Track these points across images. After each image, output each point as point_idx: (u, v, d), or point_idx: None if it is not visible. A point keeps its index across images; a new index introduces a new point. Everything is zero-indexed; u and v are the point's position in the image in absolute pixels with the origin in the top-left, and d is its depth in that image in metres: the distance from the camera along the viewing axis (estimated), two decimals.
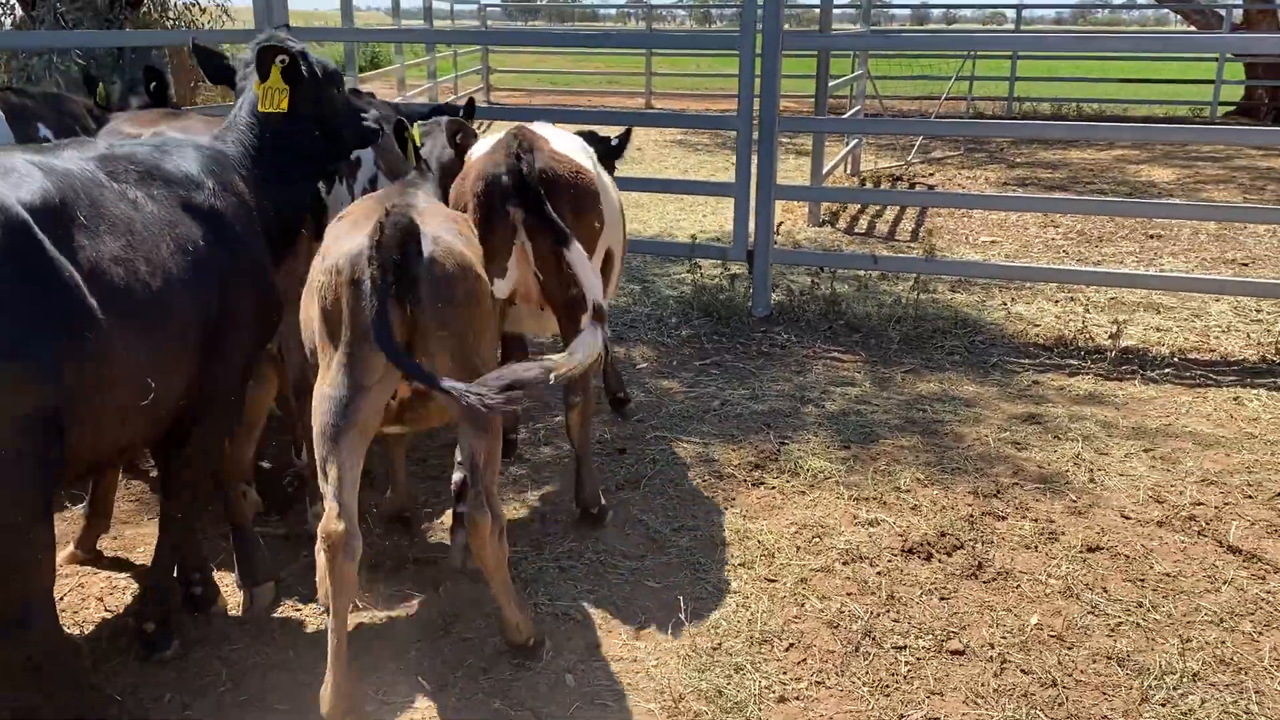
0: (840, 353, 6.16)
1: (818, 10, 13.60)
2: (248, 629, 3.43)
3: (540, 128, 4.04)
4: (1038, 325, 6.59)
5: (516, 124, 3.97)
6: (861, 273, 7.48)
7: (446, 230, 3.03)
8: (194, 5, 11.78)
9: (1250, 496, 4.42)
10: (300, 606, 3.58)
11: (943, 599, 3.64)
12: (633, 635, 3.41)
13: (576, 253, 3.56)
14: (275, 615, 3.52)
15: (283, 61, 3.40)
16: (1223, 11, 19.35)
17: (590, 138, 4.53)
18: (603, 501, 4.17)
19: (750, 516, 4.20)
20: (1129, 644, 3.38)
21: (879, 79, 14.44)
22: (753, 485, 4.49)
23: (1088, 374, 5.81)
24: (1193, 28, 20.31)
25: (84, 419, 2.54)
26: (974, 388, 5.62)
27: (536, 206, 3.57)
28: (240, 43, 5.74)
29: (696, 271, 7.09)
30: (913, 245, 8.96)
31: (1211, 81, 19.22)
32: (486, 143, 3.92)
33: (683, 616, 3.50)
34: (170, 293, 2.77)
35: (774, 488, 4.46)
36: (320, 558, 2.86)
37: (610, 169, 4.59)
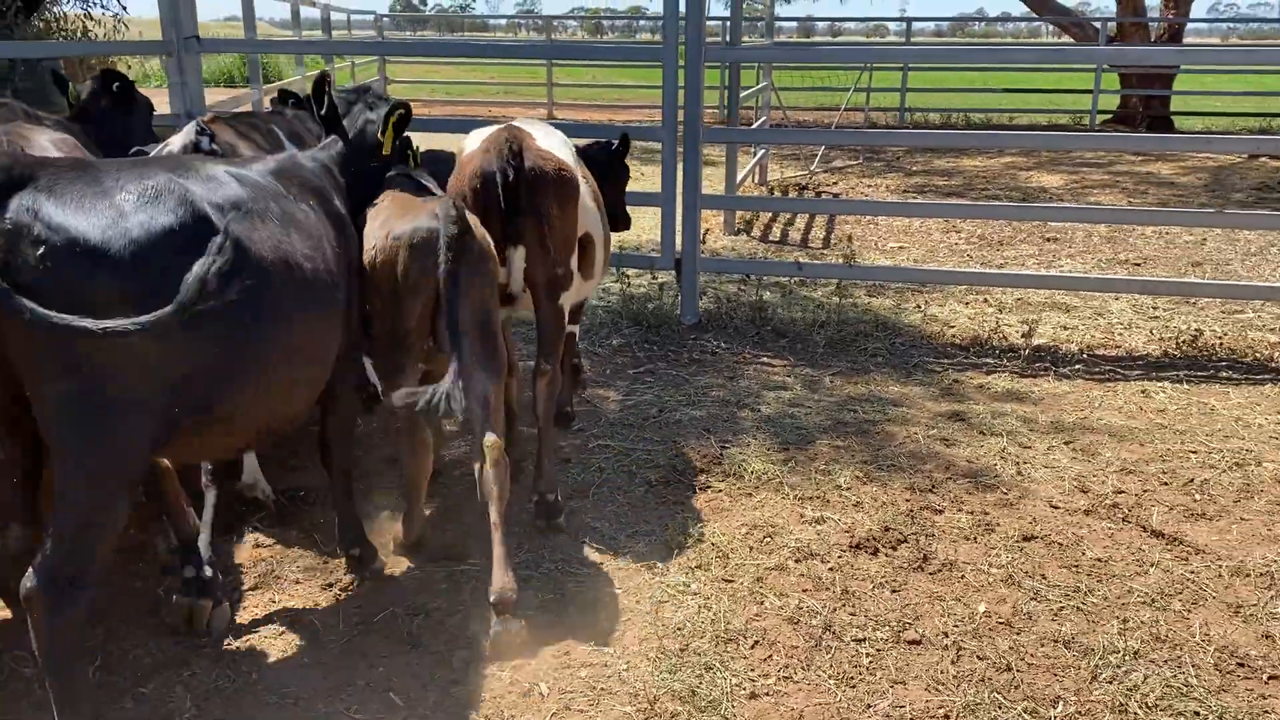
0: (769, 357, 6.30)
1: (719, 24, 13.95)
2: (208, 653, 3.35)
3: (525, 124, 4.45)
4: (953, 327, 6.84)
5: (508, 123, 4.42)
6: (783, 279, 7.65)
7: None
8: (87, 15, 11.38)
9: (1166, 484, 4.67)
10: (260, 629, 3.51)
11: (894, 591, 3.77)
12: (600, 641, 3.44)
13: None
14: (236, 639, 3.45)
15: (400, 115, 3.97)
16: (1098, 24, 20.33)
17: (599, 146, 5.24)
18: (558, 496, 4.25)
19: (701, 520, 4.27)
20: (1072, 627, 3.55)
21: (781, 90, 14.75)
22: (699, 489, 4.56)
23: (1004, 372, 6.06)
24: (1070, 40, 21.28)
25: (252, 386, 2.93)
26: (899, 388, 5.80)
27: (528, 204, 4.05)
28: (152, 54, 5.60)
29: (624, 281, 7.16)
30: (826, 252, 9.20)
31: (1090, 91, 20.15)
32: (477, 137, 4.34)
33: (647, 620, 3.55)
34: (334, 282, 3.26)
35: (720, 491, 4.54)
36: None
37: (625, 171, 5.27)
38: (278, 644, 3.41)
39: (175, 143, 4.07)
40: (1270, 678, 3.29)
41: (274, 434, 3.34)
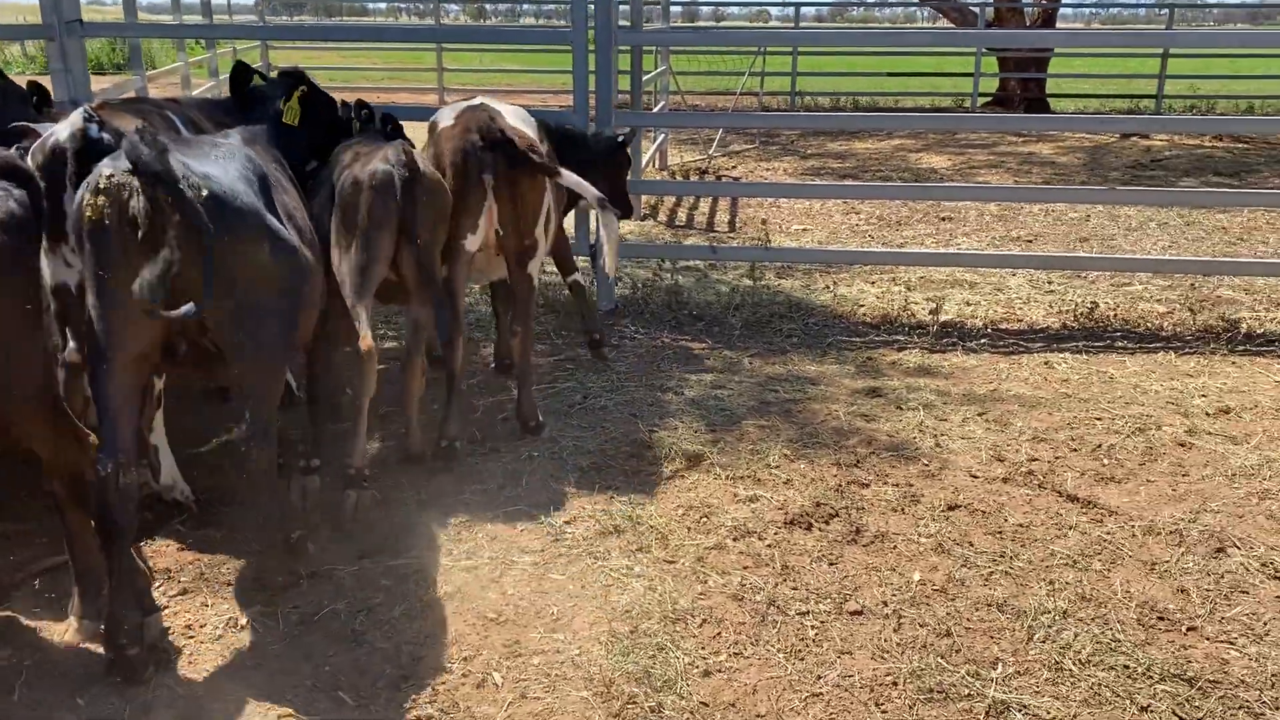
0: (688, 341, 6.34)
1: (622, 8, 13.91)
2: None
3: (491, 103, 4.90)
4: (862, 305, 7.00)
5: (477, 100, 4.91)
6: (693, 263, 7.71)
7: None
8: None
9: (1075, 450, 4.88)
10: (196, 635, 3.40)
11: (831, 564, 3.85)
12: (549, 628, 3.43)
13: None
14: (174, 644, 3.33)
15: (303, 91, 4.74)
16: (976, 9, 20.95)
17: (606, 136, 5.76)
18: (540, 418, 4.97)
19: (637, 503, 4.28)
20: (1003, 591, 3.69)
21: (677, 74, 14.82)
22: (632, 473, 4.57)
23: (914, 348, 6.23)
24: (950, 24, 21.89)
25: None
26: (816, 367, 5.92)
27: (504, 179, 4.56)
28: (33, 39, 5.30)
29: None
30: (733, 236, 9.30)
31: (970, 74, 20.77)
32: (448, 114, 4.86)
33: (595, 604, 3.55)
34: (314, 228, 3.88)
35: (653, 474, 4.56)
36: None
37: (628, 160, 5.83)
38: (216, 648, 3.31)
39: (61, 131, 3.84)
40: (1189, 629, 3.47)
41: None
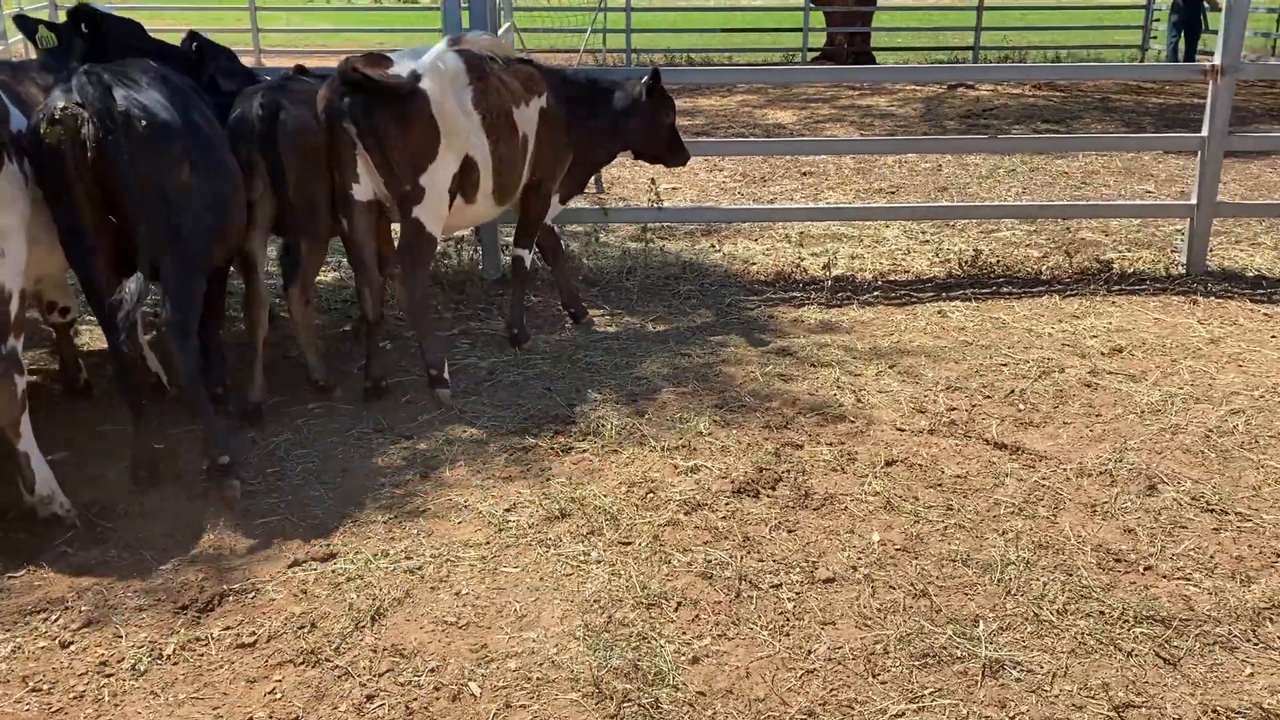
0: (587, 307, 6.11)
1: None
2: (70, 706, 2.81)
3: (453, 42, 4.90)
4: (754, 264, 6.93)
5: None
6: (580, 227, 7.46)
7: None
8: None
9: (989, 397, 4.94)
10: (114, 670, 2.99)
11: (790, 532, 3.75)
12: (516, 627, 3.19)
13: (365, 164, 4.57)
14: (90, 684, 2.92)
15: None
16: None
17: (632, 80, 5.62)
18: (445, 372, 4.86)
19: (576, 483, 4.07)
20: (962, 545, 3.67)
21: (522, 31, 14.39)
22: (563, 452, 4.35)
23: (812, 304, 6.20)
24: None
25: None
26: (721, 329, 5.80)
27: (370, 117, 4.45)
28: None
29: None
30: (604, 197, 9.07)
31: (800, 30, 21.08)
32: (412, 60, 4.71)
33: (559, 596, 3.33)
34: None
35: (585, 451, 4.34)
36: None
37: (663, 103, 5.62)
38: (142, 685, 2.92)
39: None
40: (1145, 569, 3.54)
41: None
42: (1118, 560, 3.58)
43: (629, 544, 3.65)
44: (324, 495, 3.97)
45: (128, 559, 3.52)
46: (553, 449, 4.37)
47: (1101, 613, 3.27)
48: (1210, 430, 4.54)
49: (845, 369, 5.22)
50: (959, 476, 4.18)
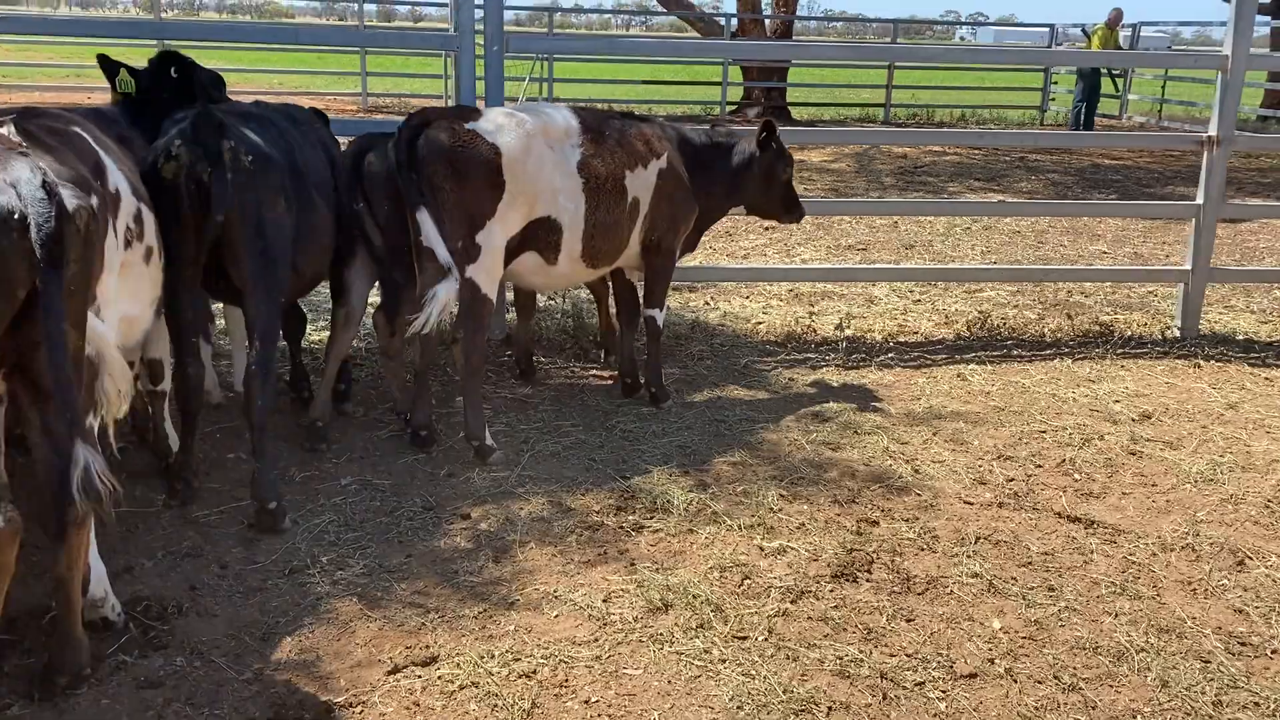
0: (599, 370, 5.86)
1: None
2: None
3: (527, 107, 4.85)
4: (760, 324, 6.78)
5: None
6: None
7: None
8: None
9: (1040, 466, 4.86)
10: None
11: (908, 620, 3.55)
12: None
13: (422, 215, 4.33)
14: None
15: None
16: (722, 20, 21.55)
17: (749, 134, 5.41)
18: (488, 439, 4.59)
19: (664, 568, 3.79)
20: (1083, 631, 3.52)
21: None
22: (634, 531, 4.07)
23: (828, 366, 6.08)
24: (697, 35, 22.37)
25: None
26: (746, 392, 5.62)
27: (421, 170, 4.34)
28: None
29: None
30: None
31: (719, 83, 21.34)
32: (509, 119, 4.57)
33: (697, 703, 3.05)
34: None
35: (659, 531, 4.08)
36: None
37: (779, 158, 5.41)
38: None
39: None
40: (1273, 652, 3.45)
41: None
42: (1243, 644, 3.49)
43: (745, 639, 3.39)
44: (395, 586, 3.60)
45: (199, 668, 3.10)
46: (622, 527, 4.09)
47: (1256, 703, 3.16)
48: (1269, 500, 4.55)
49: (890, 436, 5.09)
50: (1046, 554, 4.06)
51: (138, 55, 4.99)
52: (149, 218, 3.54)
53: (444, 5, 26.30)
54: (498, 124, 4.47)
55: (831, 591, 3.69)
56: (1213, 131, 6.33)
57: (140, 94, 4.26)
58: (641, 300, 5.37)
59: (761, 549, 3.96)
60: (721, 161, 5.36)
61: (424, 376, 4.77)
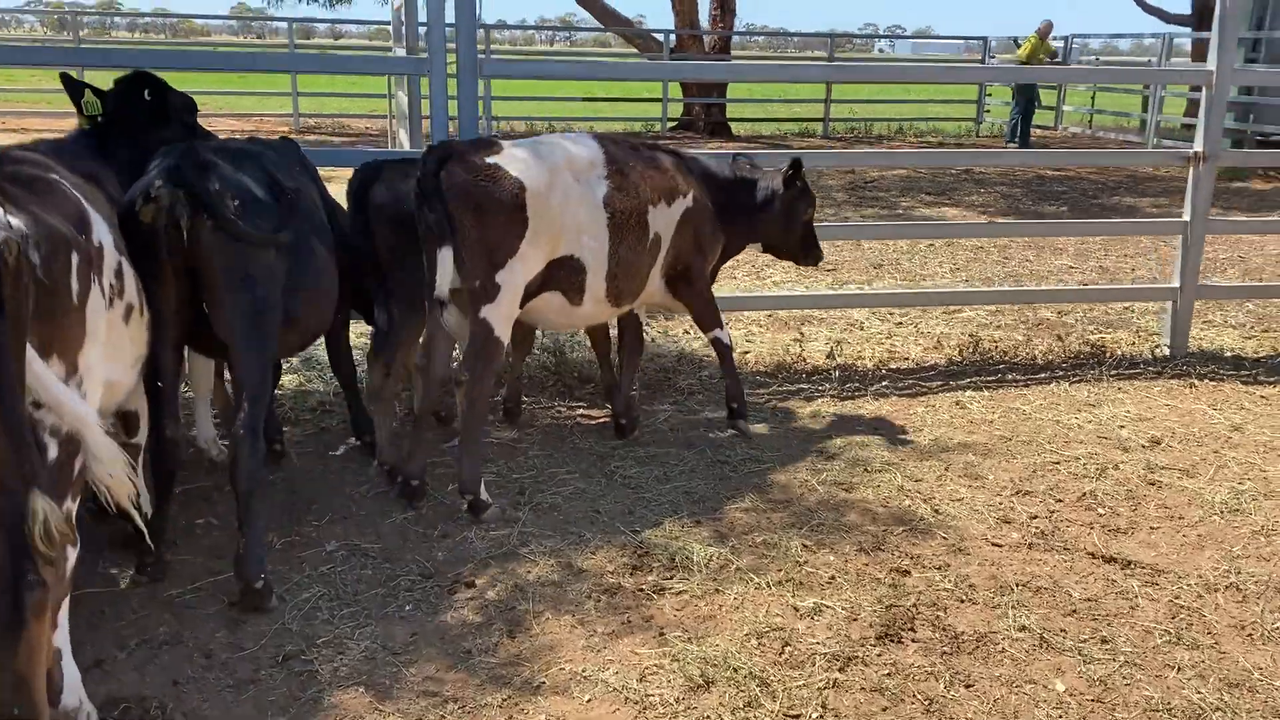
0: (586, 409, 5.53)
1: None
2: None
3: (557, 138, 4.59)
4: (746, 353, 6.51)
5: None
6: None
7: None
8: None
9: (1060, 500, 4.66)
10: None
11: (967, 686, 3.28)
12: None
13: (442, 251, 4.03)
14: None
15: None
16: (660, 36, 21.39)
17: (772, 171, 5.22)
18: (483, 494, 4.22)
19: (694, 635, 3.48)
20: (1151, 690, 3.29)
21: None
22: (656, 593, 3.75)
23: (823, 397, 5.83)
24: (636, 51, 22.18)
25: None
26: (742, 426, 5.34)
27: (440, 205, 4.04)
28: None
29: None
30: None
31: (659, 100, 21.17)
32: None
33: None
34: None
35: (683, 593, 3.76)
36: None
37: (802, 197, 5.22)
38: None
39: None
40: None
41: None
42: None
43: (798, 717, 3.09)
44: (404, 671, 3.24)
45: None
46: (641, 590, 3.77)
47: None
48: None
49: (902, 472, 4.85)
50: (1089, 600, 3.84)
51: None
52: (129, 271, 3.15)
53: (365, 24, 25.83)
54: (521, 158, 4.20)
55: (880, 656, 3.41)
56: (1198, 147, 6.24)
57: (108, 119, 3.83)
58: (699, 329, 5.27)
59: (796, 609, 3.67)
60: (742, 196, 5.15)
61: (422, 421, 4.42)
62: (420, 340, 4.58)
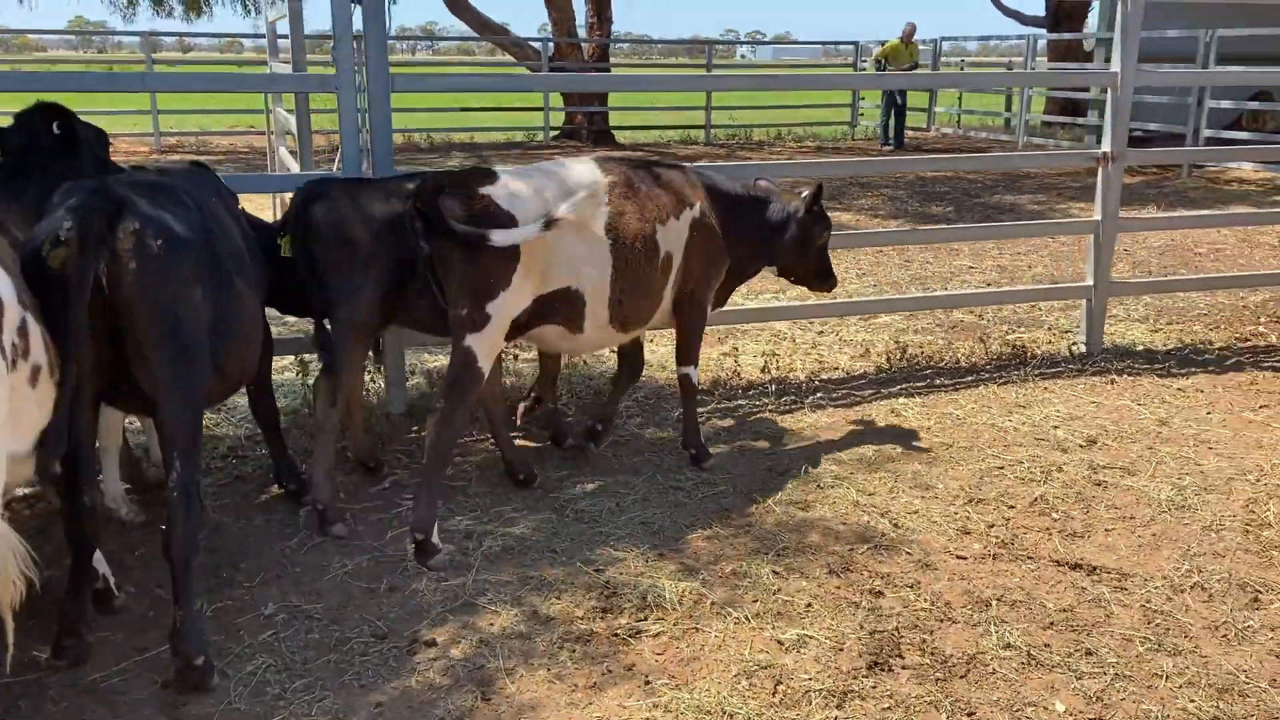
0: (520, 438, 5.27)
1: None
2: None
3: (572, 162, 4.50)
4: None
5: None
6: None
7: None
8: None
9: (1013, 507, 4.63)
10: None
11: (970, 715, 3.18)
12: None
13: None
14: None
15: None
16: (538, 45, 21.14)
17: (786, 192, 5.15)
18: (434, 536, 4.01)
19: (681, 681, 3.28)
20: (1146, 704, 3.25)
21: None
22: (631, 637, 3.54)
23: (762, 411, 5.72)
24: (512, 59, 21.87)
25: None
26: (683, 448, 5.17)
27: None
28: None
29: (305, 370, 5.54)
30: None
31: (541, 109, 20.92)
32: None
33: None
34: None
35: (659, 634, 3.56)
36: None
37: (819, 222, 5.09)
38: None
39: None
40: None
41: None
42: None
43: None
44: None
45: None
46: (616, 634, 3.55)
47: None
48: (1245, 525, 4.46)
49: (854, 486, 4.76)
50: (1065, 610, 3.79)
51: None
52: (35, 326, 2.78)
53: (217, 37, 24.77)
54: (513, 190, 4.08)
55: (875, 688, 3.28)
56: (1106, 148, 6.36)
57: (10, 155, 3.42)
58: (677, 358, 5.02)
59: (780, 643, 3.51)
60: (756, 217, 5.00)
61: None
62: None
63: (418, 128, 19.96)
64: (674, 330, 4.96)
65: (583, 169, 4.42)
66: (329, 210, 4.20)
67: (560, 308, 4.30)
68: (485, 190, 4.02)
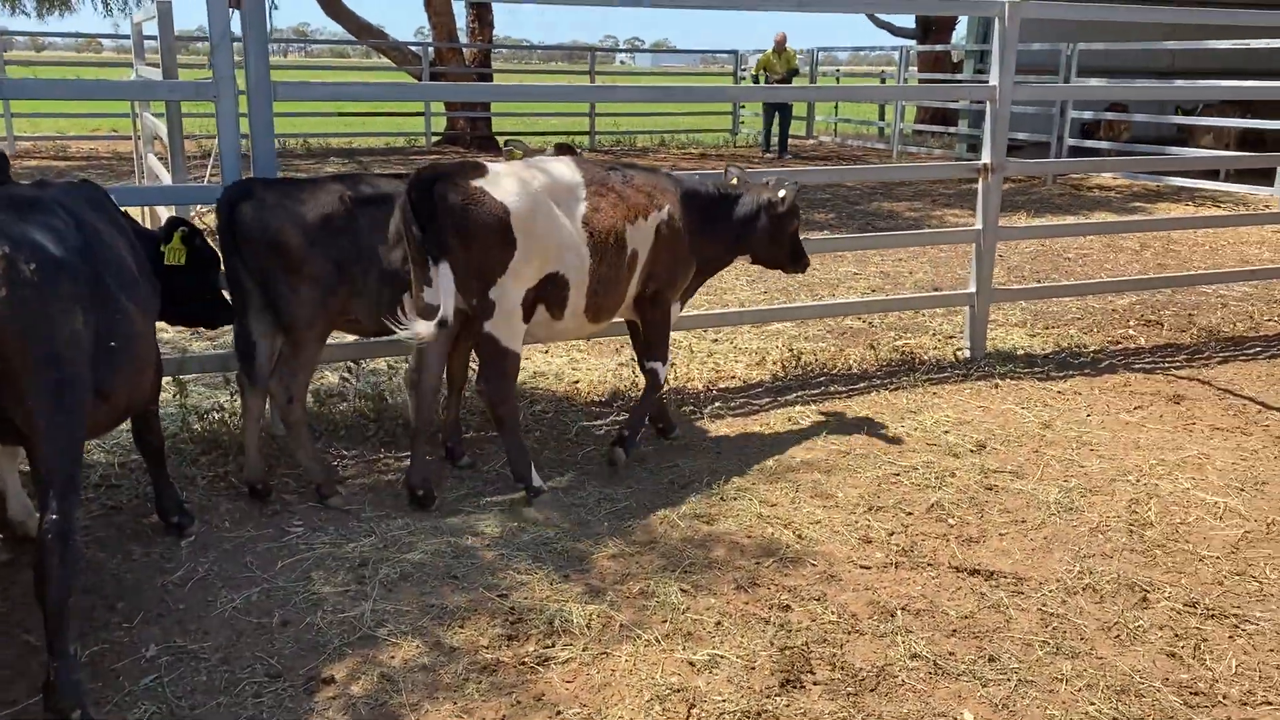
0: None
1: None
2: None
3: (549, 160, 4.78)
4: (578, 381, 6.26)
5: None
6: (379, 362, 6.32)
7: None
8: None
9: (910, 514, 4.70)
10: None
11: None
12: None
13: (442, 269, 4.23)
14: None
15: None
16: (418, 49, 20.79)
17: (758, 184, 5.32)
18: (535, 479, 4.67)
19: (593, 710, 3.21)
20: (1052, 709, 3.31)
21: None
22: (539, 665, 3.44)
23: (660, 423, 5.68)
24: (390, 62, 21.43)
25: None
26: (591, 466, 5.10)
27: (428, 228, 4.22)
28: None
29: (183, 391, 5.25)
30: None
31: (423, 114, 20.57)
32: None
33: None
34: None
35: (568, 660, 3.47)
36: None
37: (788, 213, 5.27)
38: None
39: None
40: (1222, 697, 3.39)
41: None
42: (1194, 693, 3.41)
43: None
44: None
45: None
46: (524, 662, 3.45)
47: None
48: (1129, 525, 4.61)
49: (756, 498, 4.76)
50: (966, 618, 3.85)
51: None
52: None
53: (75, 36, 23.73)
54: (504, 181, 4.37)
55: (788, 706, 3.26)
56: (986, 159, 6.54)
57: None
58: (640, 354, 5.30)
59: (691, 664, 3.47)
60: (728, 212, 5.21)
61: (419, 435, 4.58)
62: (411, 356, 4.72)
63: (294, 133, 19.38)
64: (641, 328, 5.20)
65: (562, 167, 4.68)
66: (252, 212, 4.31)
67: (552, 291, 4.54)
68: (478, 182, 4.28)
